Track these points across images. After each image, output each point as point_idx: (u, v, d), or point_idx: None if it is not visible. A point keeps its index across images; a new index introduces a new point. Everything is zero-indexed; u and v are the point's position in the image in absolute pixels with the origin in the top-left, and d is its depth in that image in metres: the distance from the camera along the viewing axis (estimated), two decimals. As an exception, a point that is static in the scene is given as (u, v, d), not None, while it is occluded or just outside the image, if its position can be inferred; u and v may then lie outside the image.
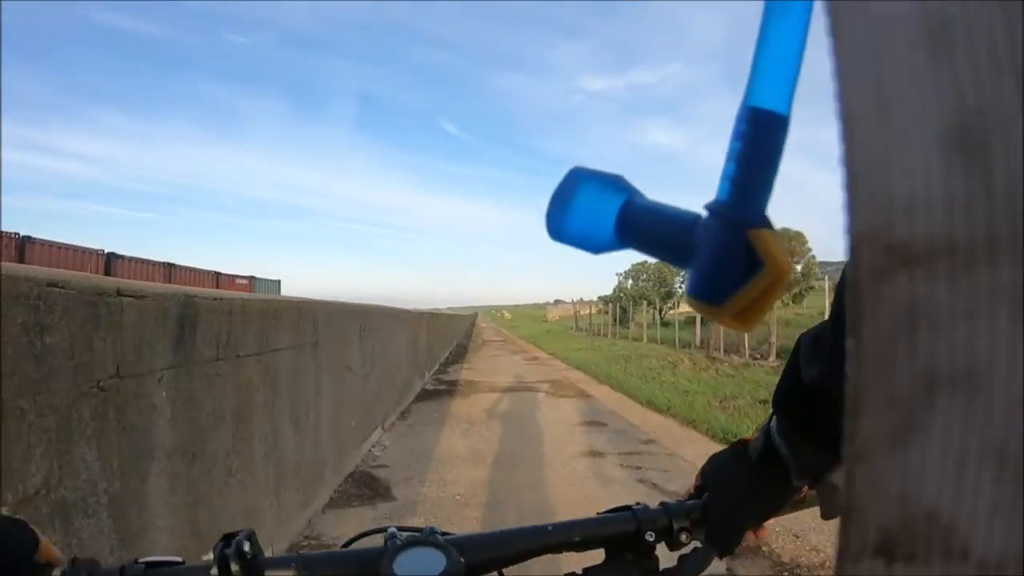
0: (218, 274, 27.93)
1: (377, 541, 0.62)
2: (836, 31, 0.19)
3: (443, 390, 10.69)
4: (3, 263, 1.49)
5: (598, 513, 0.71)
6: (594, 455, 6.03)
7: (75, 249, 17.30)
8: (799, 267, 29.11)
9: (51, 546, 0.57)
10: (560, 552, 0.67)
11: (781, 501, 0.75)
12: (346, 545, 0.70)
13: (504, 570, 0.66)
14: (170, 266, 23.07)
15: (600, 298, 50.30)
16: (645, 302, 33.07)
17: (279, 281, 36.49)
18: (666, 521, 0.69)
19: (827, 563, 3.58)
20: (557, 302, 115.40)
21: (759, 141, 0.43)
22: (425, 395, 9.93)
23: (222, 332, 2.68)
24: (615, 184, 0.53)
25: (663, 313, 34.75)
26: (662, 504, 0.72)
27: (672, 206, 0.49)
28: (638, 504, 0.71)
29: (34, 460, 1.52)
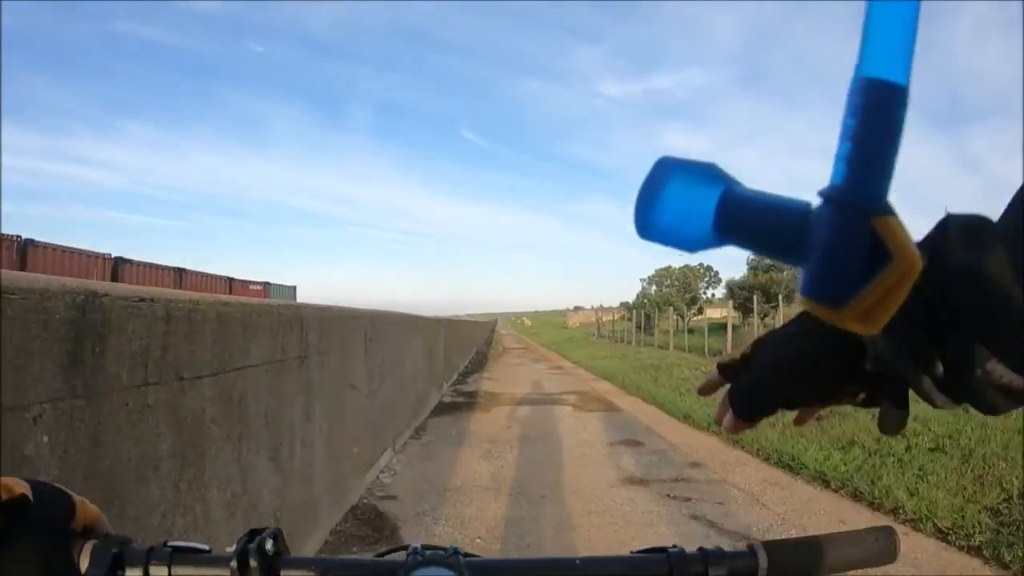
0: (231, 279, 27.45)
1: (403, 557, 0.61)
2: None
3: (462, 403, 9.95)
4: None
5: (631, 552, 0.64)
6: (634, 483, 5.24)
7: (80, 253, 16.80)
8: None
9: (88, 509, 0.58)
10: None
11: (841, 387, 0.56)
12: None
13: None
14: (181, 271, 22.56)
15: (622, 304, 49.37)
16: (671, 308, 32.11)
17: (295, 287, 36.02)
18: (701, 569, 0.60)
19: None
20: (577, 308, 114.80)
21: (876, 116, 0.40)
22: (442, 409, 9.19)
23: (154, 346, 1.96)
24: (709, 173, 0.49)
25: (687, 320, 33.83)
26: (700, 550, 0.62)
27: (778, 195, 0.45)
28: (674, 547, 0.62)
29: None
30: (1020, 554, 3.64)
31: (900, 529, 4.51)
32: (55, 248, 15.67)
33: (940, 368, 0.49)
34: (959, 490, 4.69)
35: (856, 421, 6.82)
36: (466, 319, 39.61)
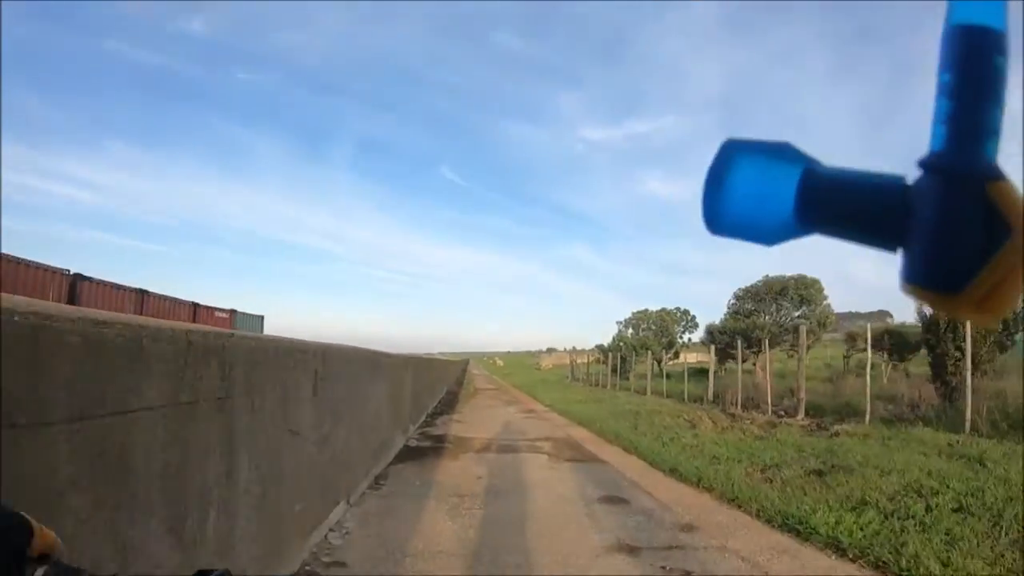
0: (196, 305, 26.48)
1: None
2: None
3: (429, 448, 9.19)
4: None
5: None
6: (623, 551, 4.55)
7: (37, 267, 15.81)
8: (815, 313, 27.71)
9: (46, 535, 0.61)
10: None
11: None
12: None
13: None
14: (143, 293, 21.54)
15: (597, 347, 48.77)
16: (648, 352, 31.59)
17: (262, 317, 34.92)
18: None
19: None
20: (550, 350, 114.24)
21: (974, 68, 0.39)
22: (407, 454, 8.42)
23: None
24: (784, 153, 0.49)
25: (662, 364, 33.32)
26: None
27: (867, 171, 0.45)
28: None
29: None
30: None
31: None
32: (10, 260, 14.67)
33: None
34: (996, 558, 4.12)
35: (864, 478, 6.25)
36: (438, 357, 38.76)
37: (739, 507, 5.84)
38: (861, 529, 4.81)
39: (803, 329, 13.65)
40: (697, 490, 6.64)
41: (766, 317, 28.80)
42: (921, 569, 4.01)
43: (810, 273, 30.30)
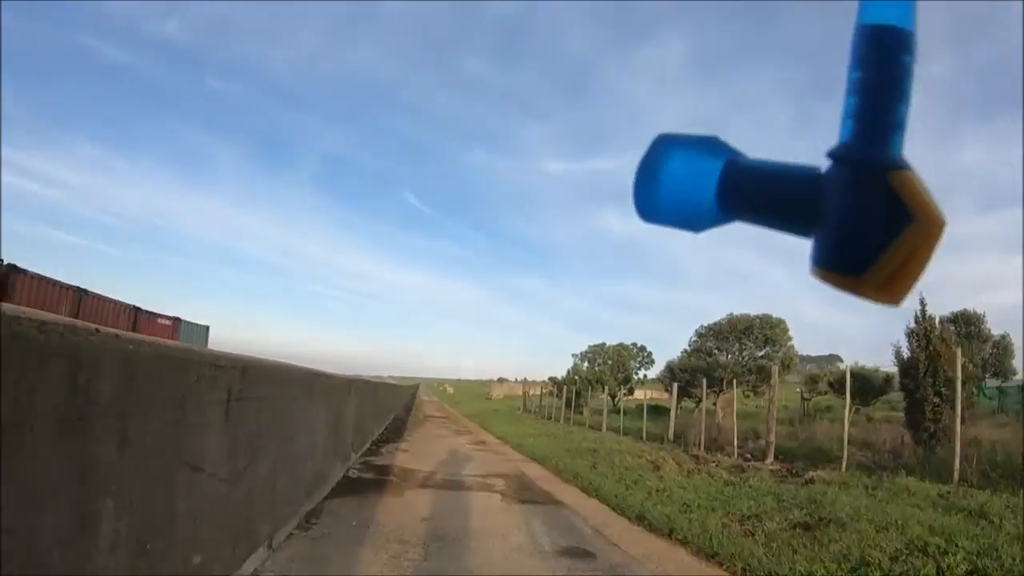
0: (138, 309, 25.05)
1: None
2: None
3: (371, 481, 8.31)
4: None
5: None
6: (594, 622, 3.82)
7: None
8: (779, 355, 27.51)
9: None
10: None
11: None
12: None
13: None
14: (81, 291, 20.11)
15: (550, 379, 48.08)
16: (603, 386, 31.01)
17: (208, 327, 33.35)
18: None
19: None
20: (501, 380, 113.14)
21: (883, 66, 0.42)
22: (347, 488, 7.54)
23: None
24: (710, 146, 0.53)
25: (616, 400, 32.77)
26: None
27: (785, 162, 0.49)
28: None
29: None
30: None
31: None
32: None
33: None
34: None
35: (859, 534, 5.66)
36: (388, 381, 37.57)
37: (720, 564, 5.17)
38: (868, 599, 4.18)
39: (775, 369, 13.20)
40: (669, 542, 5.95)
41: (728, 356, 28.53)
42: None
43: (756, 314, 30.26)
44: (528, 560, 5.10)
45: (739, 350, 28.36)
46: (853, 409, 18.69)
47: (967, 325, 24.49)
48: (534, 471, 10.85)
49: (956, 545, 5.26)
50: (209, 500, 3.17)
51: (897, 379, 19.53)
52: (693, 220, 0.53)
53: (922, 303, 11.45)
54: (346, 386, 8.31)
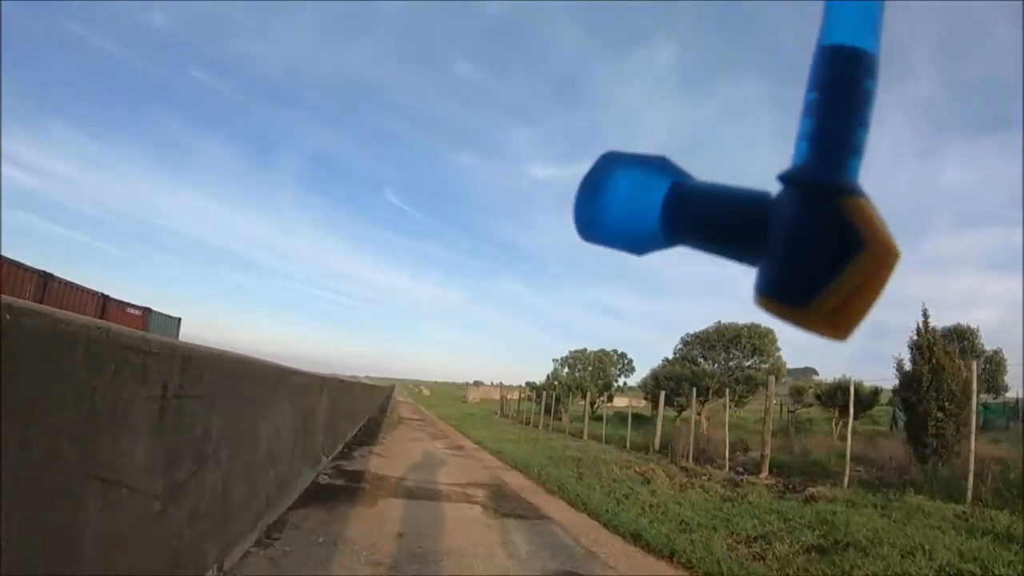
0: (106, 297, 24.12)
1: None
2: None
3: (342, 488, 7.64)
4: None
5: None
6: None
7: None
8: (765, 366, 27.08)
9: None
10: None
11: None
12: None
13: None
14: (46, 276, 19.23)
15: (527, 384, 47.48)
16: (583, 393, 30.46)
17: (179, 319, 32.31)
18: None
19: None
20: (477, 383, 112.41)
21: (842, 87, 0.41)
22: (315, 496, 6.87)
23: None
24: (658, 167, 0.51)
25: (595, 407, 32.25)
26: None
27: (736, 186, 0.46)
28: None
29: None
30: None
31: None
32: None
33: None
34: None
35: (883, 560, 5.12)
36: (364, 381, 36.73)
37: (730, 597, 4.61)
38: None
39: (771, 380, 12.73)
40: (671, 566, 5.38)
41: (715, 365, 28.07)
42: None
43: (745, 323, 29.80)
44: (518, 587, 4.49)
45: (725, 359, 27.94)
46: (841, 423, 18.33)
47: (960, 340, 24.31)
48: (516, 480, 10.23)
49: (992, 573, 4.76)
50: (135, 522, 2.52)
51: (884, 393, 19.23)
52: (635, 242, 0.52)
53: (925, 315, 11.06)
54: (318, 385, 7.63)
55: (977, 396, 9.95)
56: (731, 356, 27.73)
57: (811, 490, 8.96)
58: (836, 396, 18.35)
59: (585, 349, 39.73)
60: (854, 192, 0.39)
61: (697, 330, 29.64)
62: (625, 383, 39.40)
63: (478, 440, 18.20)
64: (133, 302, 27.59)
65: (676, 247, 0.50)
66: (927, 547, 5.62)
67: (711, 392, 17.15)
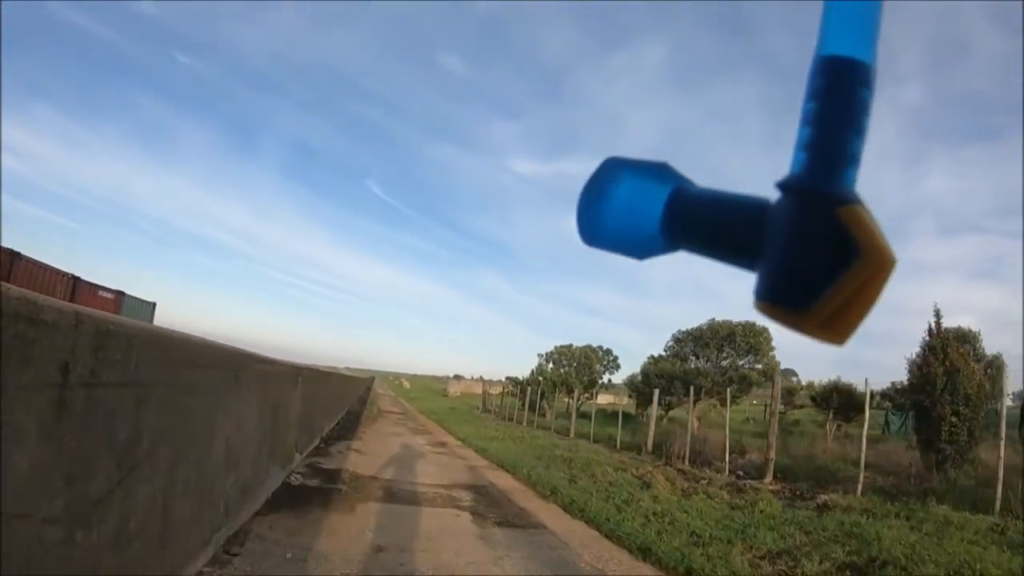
0: (76, 279, 23.16)
1: None
2: None
3: (315, 490, 6.91)
4: None
5: None
6: None
7: None
8: (759, 366, 26.56)
9: None
10: None
11: None
12: None
13: None
14: (13, 254, 18.35)
15: (509, 379, 46.79)
16: (567, 389, 29.84)
17: (154, 304, 31.25)
18: None
19: None
20: (457, 377, 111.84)
21: (839, 98, 0.41)
22: (285, 499, 6.13)
23: None
24: (659, 173, 0.52)
25: (579, 403, 31.65)
26: None
27: (735, 192, 0.47)
28: None
29: None
30: None
31: None
32: None
33: None
34: None
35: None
36: (344, 372, 35.87)
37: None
38: None
39: (778, 378, 12.16)
40: (689, 590, 4.73)
41: (707, 363, 27.47)
42: None
43: (739, 321, 29.25)
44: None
45: (717, 357, 27.33)
46: (836, 426, 17.87)
47: (962, 343, 23.86)
48: (504, 482, 9.54)
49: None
50: (20, 559, 1.81)
51: (878, 396, 18.78)
52: (637, 247, 0.52)
53: (937, 315, 10.52)
54: (291, 375, 6.88)
55: (1004, 399, 9.45)
56: (725, 355, 27.17)
57: (823, 497, 8.35)
58: (831, 398, 17.85)
59: (571, 344, 39.11)
60: (851, 200, 0.39)
61: (690, 327, 29.14)
62: (610, 380, 38.85)
63: (461, 437, 17.50)
64: (107, 285, 26.67)
65: (676, 252, 0.51)
66: (975, 566, 5.03)
67: (703, 391, 16.61)
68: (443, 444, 15.28)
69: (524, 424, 26.59)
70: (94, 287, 25.15)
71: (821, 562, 5.21)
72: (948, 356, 9.91)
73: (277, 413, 6.12)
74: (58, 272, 22.03)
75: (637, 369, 29.98)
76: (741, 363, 26.43)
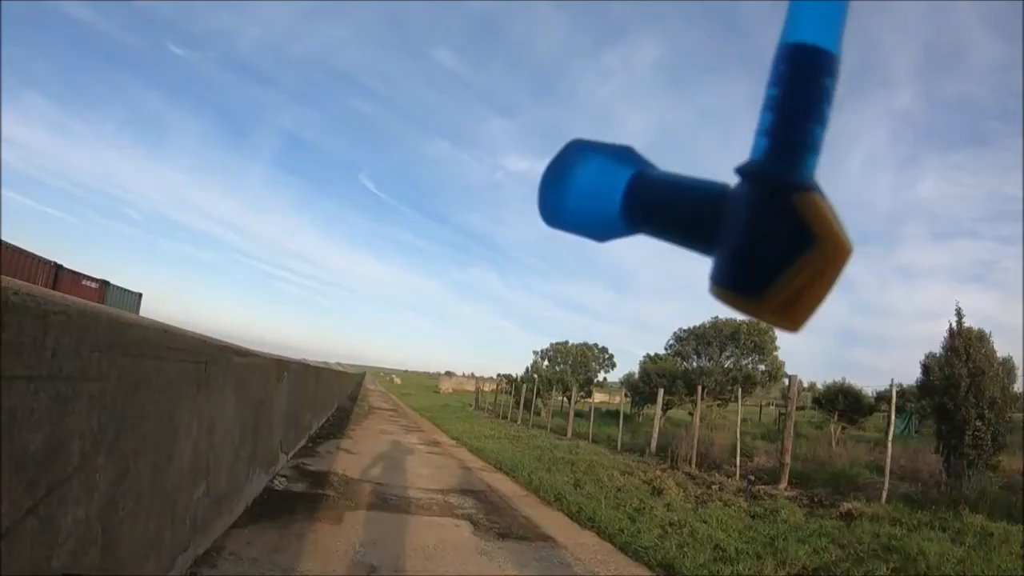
0: (59, 267, 22.44)
1: None
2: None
3: (301, 496, 6.30)
4: None
5: None
6: None
7: None
8: (762, 367, 26.00)
9: None
10: None
11: None
12: None
13: None
14: None
15: (502, 376, 46.17)
16: (567, 388, 29.26)
17: (140, 295, 30.45)
18: None
19: None
20: (449, 373, 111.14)
21: (802, 85, 0.40)
22: (266, 508, 5.52)
23: None
24: (622, 156, 0.50)
25: (574, 402, 31.08)
26: None
27: (695, 177, 0.46)
28: None
29: None
30: None
31: None
32: None
33: None
34: None
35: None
36: (334, 366, 35.16)
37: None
38: None
39: (794, 379, 11.55)
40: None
41: (710, 362, 26.88)
42: None
43: (744, 319, 28.69)
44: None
45: (720, 356, 26.74)
46: (841, 428, 17.36)
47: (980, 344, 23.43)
48: (504, 486, 8.94)
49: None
50: None
51: (886, 399, 18.27)
52: (597, 229, 0.52)
53: (958, 314, 9.96)
54: (276, 369, 6.26)
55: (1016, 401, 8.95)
56: (728, 354, 26.57)
57: (846, 505, 7.79)
58: (837, 400, 17.32)
59: (567, 341, 38.48)
60: (809, 187, 0.38)
61: (693, 325, 28.56)
62: (605, 378, 38.27)
63: (455, 435, 16.90)
64: (91, 274, 25.91)
65: (636, 235, 0.50)
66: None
67: (704, 391, 16.10)
68: (437, 443, 14.68)
69: (519, 423, 26.03)
70: (77, 275, 24.41)
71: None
72: (971, 357, 9.38)
73: (259, 411, 5.51)
74: (40, 259, 21.32)
75: (631, 367, 29.40)
76: (745, 362, 25.89)
